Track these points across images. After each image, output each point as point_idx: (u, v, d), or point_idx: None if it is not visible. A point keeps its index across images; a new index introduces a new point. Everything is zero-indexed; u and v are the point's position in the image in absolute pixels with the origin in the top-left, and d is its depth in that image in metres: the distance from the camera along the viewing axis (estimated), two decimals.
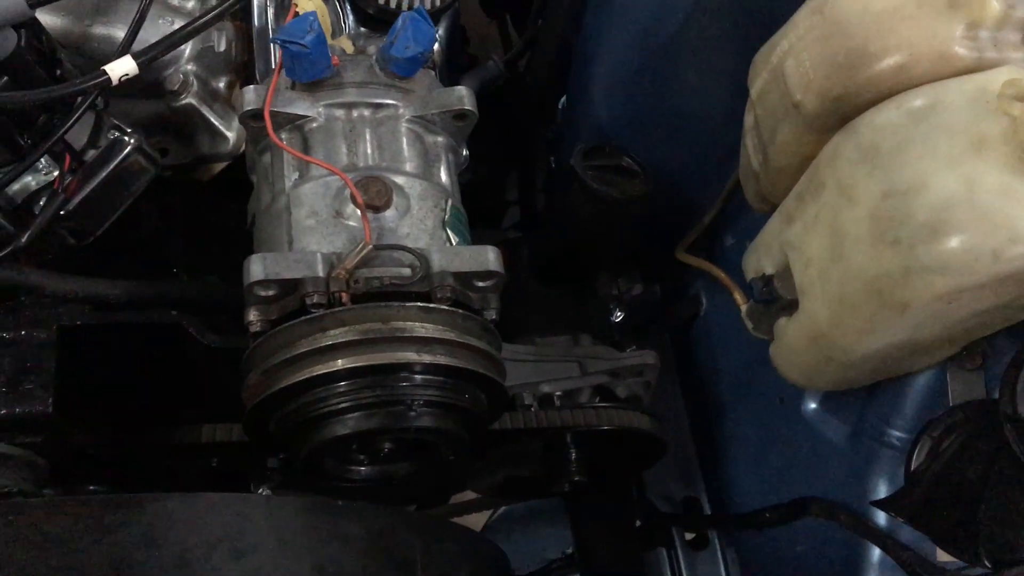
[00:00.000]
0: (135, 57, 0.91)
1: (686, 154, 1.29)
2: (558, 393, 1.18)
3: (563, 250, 1.28)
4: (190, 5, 1.15)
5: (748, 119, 1.05)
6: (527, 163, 1.50)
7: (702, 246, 1.38)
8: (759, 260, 1.04)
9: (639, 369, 1.22)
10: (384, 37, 1.01)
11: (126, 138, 1.04)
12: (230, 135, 1.13)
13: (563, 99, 1.37)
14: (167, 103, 1.12)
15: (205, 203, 1.19)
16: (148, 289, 1.04)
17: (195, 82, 1.12)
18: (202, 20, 0.96)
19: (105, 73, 0.90)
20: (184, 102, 1.11)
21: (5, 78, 0.92)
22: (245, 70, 1.17)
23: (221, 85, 1.16)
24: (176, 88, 1.11)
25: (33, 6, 0.88)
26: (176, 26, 1.10)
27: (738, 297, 1.18)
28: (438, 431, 0.83)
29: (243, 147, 1.14)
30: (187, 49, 1.12)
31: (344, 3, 1.09)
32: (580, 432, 1.15)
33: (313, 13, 0.88)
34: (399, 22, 0.91)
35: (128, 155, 1.02)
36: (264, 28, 1.13)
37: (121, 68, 0.90)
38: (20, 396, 0.90)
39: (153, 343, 0.98)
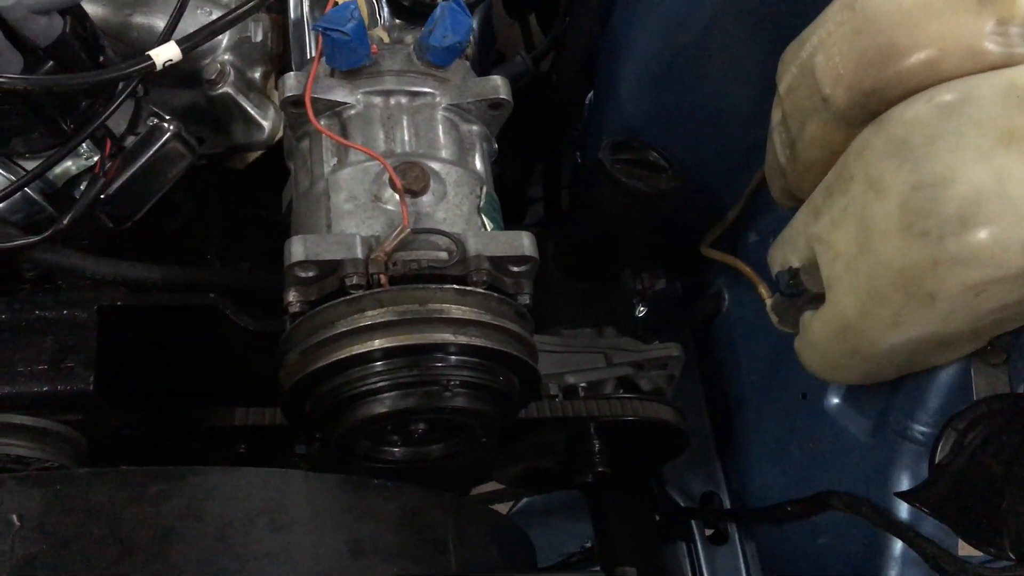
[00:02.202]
0: (179, 44, 0.93)
1: (711, 150, 1.30)
2: (583, 384, 1.19)
3: (588, 244, 1.30)
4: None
5: (775, 115, 1.07)
6: (552, 160, 1.52)
7: (725, 242, 1.39)
8: (785, 254, 1.05)
9: (663, 362, 1.23)
10: (420, 28, 1.03)
11: (165, 124, 1.06)
12: (266, 124, 1.15)
13: (589, 96, 1.39)
14: (204, 92, 1.14)
15: (239, 191, 1.21)
16: (185, 274, 1.06)
17: (232, 72, 1.14)
18: (242, 9, 0.98)
19: (149, 58, 0.92)
20: (221, 91, 1.13)
21: (50, 63, 0.94)
22: (280, 61, 1.20)
23: (257, 75, 1.18)
24: (214, 77, 1.12)
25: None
26: (214, 16, 1.12)
27: (763, 291, 1.20)
28: (472, 411, 0.85)
29: (278, 136, 1.16)
30: (224, 39, 1.14)
31: None
32: (604, 422, 1.17)
33: (353, 1, 0.90)
34: (438, 11, 0.93)
35: (167, 141, 1.05)
36: (300, 19, 1.16)
37: (165, 54, 0.92)
38: (61, 374, 0.92)
39: (190, 325, 1.00)
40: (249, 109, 1.14)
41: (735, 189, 1.34)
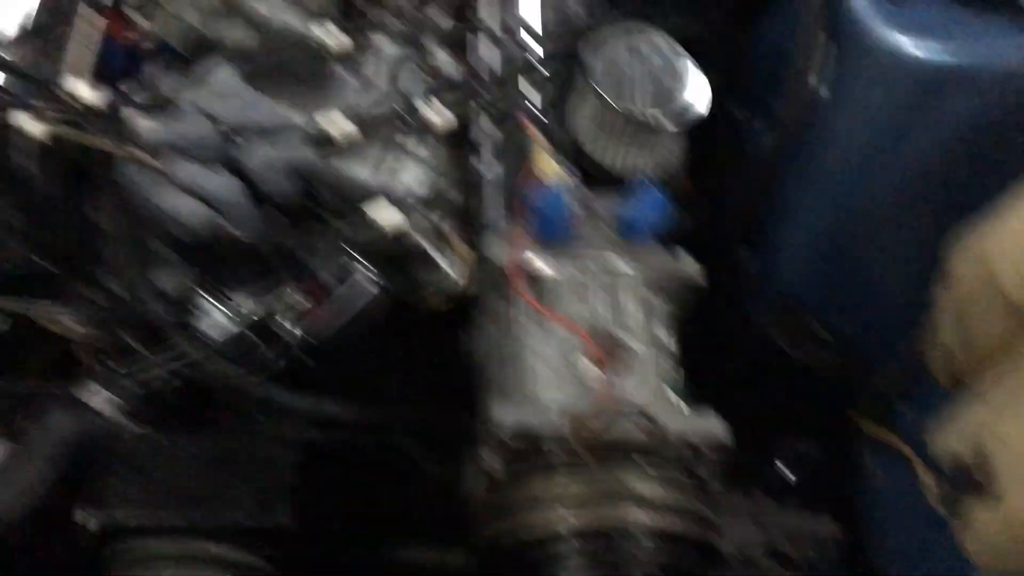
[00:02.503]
0: (401, 208, 1.01)
1: (870, 320, 1.32)
2: (732, 551, 1.20)
3: (743, 408, 1.32)
4: (423, 153, 1.26)
5: (944, 296, 1.08)
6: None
7: (874, 411, 1.40)
8: (952, 442, 1.05)
9: (816, 535, 1.23)
10: (607, 195, 1.10)
11: (368, 274, 1.13)
12: (453, 274, 1.22)
13: (747, 254, 1.43)
14: (396, 239, 1.22)
15: (417, 331, 1.27)
16: (372, 413, 1.12)
17: (424, 222, 1.21)
18: (458, 177, 1.06)
19: (375, 222, 1.00)
20: (414, 240, 1.20)
21: (278, 214, 1.03)
22: (468, 213, 1.27)
23: (445, 225, 1.25)
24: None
25: (321, 157, 0.99)
26: (411, 169, 1.21)
27: (927, 479, 1.19)
28: None
29: (463, 285, 1.23)
30: (416, 191, 1.21)
31: (561, 157, 1.18)
32: None
33: (566, 183, 0.96)
34: (637, 191, 0.98)
35: (370, 290, 1.12)
36: (493, 179, 1.23)
37: (388, 218, 1.00)
38: (263, 509, 0.98)
39: (380, 466, 1.04)
40: (438, 259, 1.21)
41: (889, 360, 1.35)
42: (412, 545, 1.06)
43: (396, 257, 1.23)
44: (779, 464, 1.34)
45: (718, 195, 1.39)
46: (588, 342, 0.89)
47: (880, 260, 1.26)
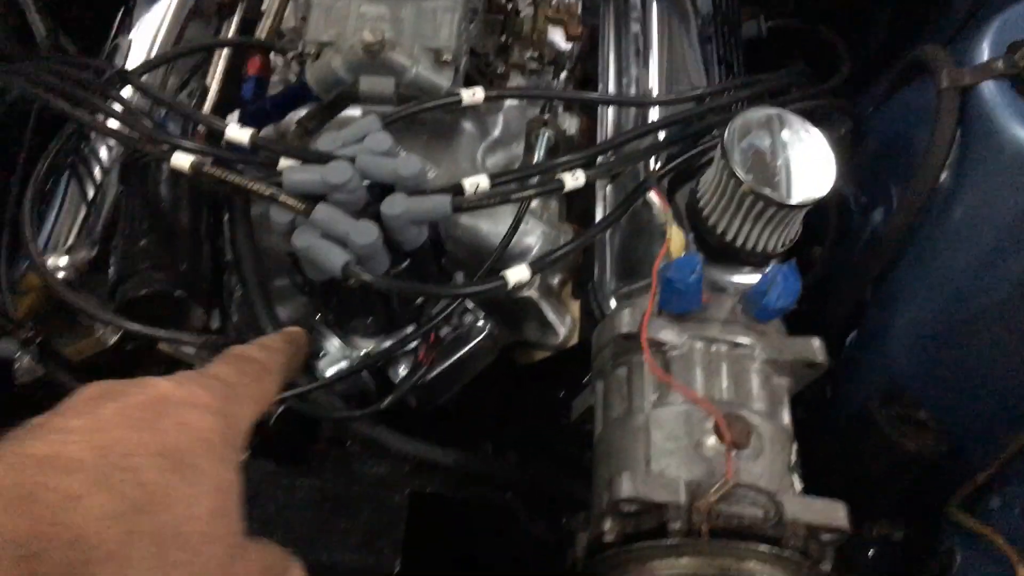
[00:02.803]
0: (530, 266, 1.02)
1: (973, 415, 1.30)
2: None
3: (836, 491, 1.31)
4: (543, 209, 1.28)
5: None
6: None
7: (969, 503, 1.37)
8: None
9: None
10: (731, 270, 1.11)
11: (481, 323, 1.15)
12: (561, 330, 1.23)
13: (851, 336, 1.42)
14: (509, 291, 1.24)
15: (516, 383, 1.28)
16: (473, 462, 1.13)
17: (538, 278, 1.23)
18: (584, 239, 1.08)
19: (503, 279, 1.01)
20: (527, 294, 1.22)
21: (407, 262, 1.05)
22: (577, 271, 1.29)
23: (556, 281, 1.27)
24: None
25: (455, 211, 1.01)
26: (531, 227, 1.23)
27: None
28: None
29: (571, 342, 1.24)
30: (535, 248, 1.24)
31: (687, 230, 1.19)
32: None
33: (698, 256, 0.97)
34: (772, 274, 0.99)
35: (483, 340, 1.14)
36: (603, 238, 1.25)
37: (517, 275, 1.02)
38: (372, 552, 0.99)
39: (484, 520, 1.05)
40: (549, 314, 1.23)
41: (988, 452, 1.33)
42: None
43: (506, 308, 1.26)
44: (869, 552, 1.32)
45: (825, 275, 1.39)
46: (719, 420, 0.89)
47: (992, 355, 1.24)
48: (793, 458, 0.96)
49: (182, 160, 1.03)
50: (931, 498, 1.39)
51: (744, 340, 1.01)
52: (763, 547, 0.86)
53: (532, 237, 1.22)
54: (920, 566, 1.45)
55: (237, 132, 1.05)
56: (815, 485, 1.33)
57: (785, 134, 1.10)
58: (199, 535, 0.55)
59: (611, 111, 1.33)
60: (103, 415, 0.56)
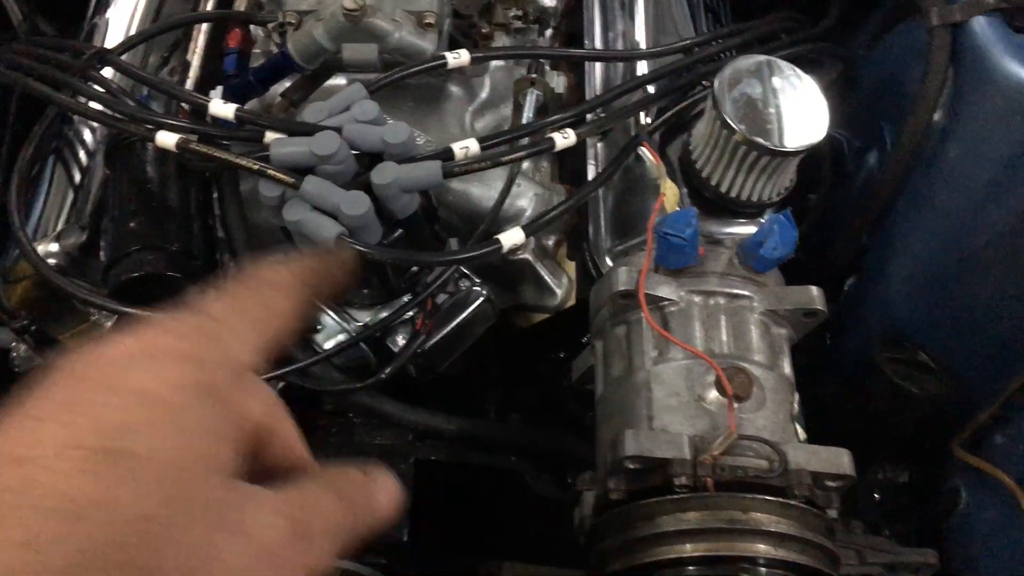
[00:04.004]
0: (524, 229, 1.01)
1: (973, 355, 1.30)
2: None
3: (840, 436, 1.31)
4: (536, 171, 1.27)
5: None
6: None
7: (973, 441, 1.38)
8: None
9: (918, 566, 1.22)
10: (721, 220, 1.10)
11: (477, 288, 1.14)
12: (559, 291, 1.23)
13: (849, 281, 1.42)
14: (504, 255, 1.23)
15: (516, 347, 1.28)
16: (476, 428, 1.13)
17: (532, 240, 1.22)
18: (576, 198, 1.07)
19: (498, 242, 1.01)
20: (521, 257, 1.21)
21: (400, 231, 1.04)
22: (572, 230, 1.28)
23: (551, 242, 1.26)
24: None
25: (446, 176, 1.00)
26: (524, 189, 1.22)
27: None
28: None
29: (568, 303, 1.23)
30: (529, 209, 1.23)
31: (680, 183, 1.18)
32: None
33: (693, 210, 0.96)
34: (768, 224, 0.98)
35: (480, 305, 1.13)
36: (596, 196, 1.24)
37: (511, 239, 1.01)
38: None
39: (491, 484, 1.05)
40: (545, 276, 1.22)
41: (990, 391, 1.33)
42: (519, 564, 1.06)
43: (502, 272, 1.25)
44: (876, 495, 1.32)
45: (821, 222, 1.38)
46: (720, 374, 0.89)
47: (990, 293, 1.24)
48: (795, 408, 0.96)
49: (167, 139, 1.02)
50: (935, 439, 1.39)
51: (742, 292, 1.01)
52: (769, 497, 0.86)
53: (525, 199, 1.21)
54: (926, 506, 1.46)
55: (221, 107, 1.04)
56: (820, 432, 1.33)
57: (776, 81, 1.08)
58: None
59: (599, 67, 1.31)
60: (43, 408, 0.48)
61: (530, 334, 1.26)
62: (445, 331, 1.12)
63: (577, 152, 1.27)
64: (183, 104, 1.16)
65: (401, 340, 1.12)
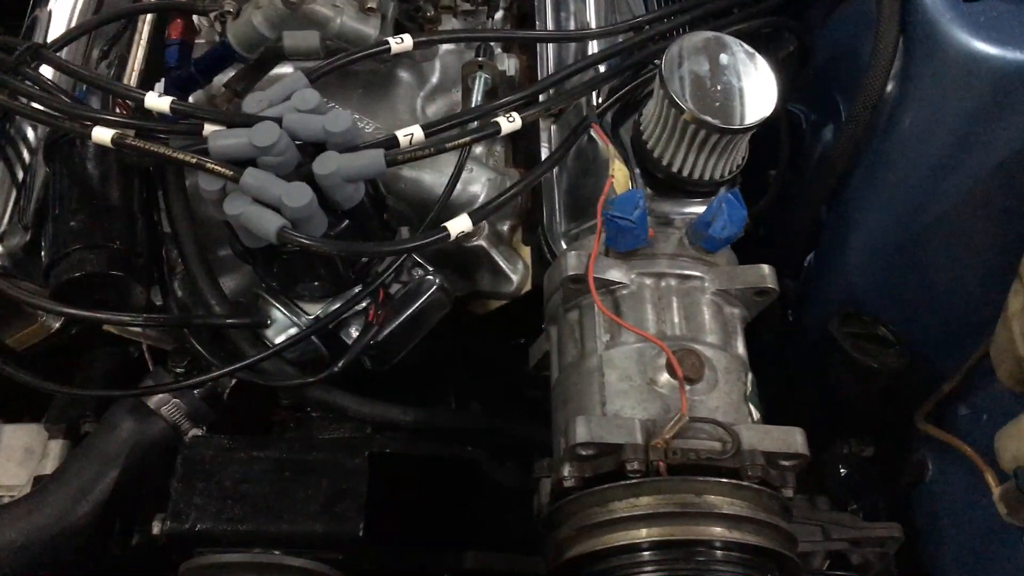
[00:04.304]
0: (471, 216, 1.00)
1: (935, 325, 1.30)
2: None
3: (803, 412, 1.31)
4: (486, 156, 1.26)
5: (1015, 303, 1.06)
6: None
7: (935, 414, 1.38)
8: (1019, 447, 1.04)
9: (882, 540, 1.22)
10: (676, 202, 1.09)
11: (430, 277, 1.13)
12: (514, 277, 1.21)
13: (809, 257, 1.41)
14: (457, 242, 1.21)
15: (473, 334, 1.27)
16: (434, 418, 1.12)
17: (486, 226, 1.21)
18: (525, 183, 1.05)
19: (445, 230, 0.99)
20: (475, 243, 1.20)
21: (347, 222, 1.02)
22: (527, 215, 1.26)
23: (506, 228, 1.25)
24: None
25: (390, 165, 0.98)
26: (475, 173, 1.20)
27: (990, 479, 1.18)
28: None
29: (524, 289, 1.22)
30: (482, 195, 1.21)
31: (632, 164, 1.17)
32: None
33: (640, 191, 0.95)
34: (715, 203, 0.97)
35: (433, 294, 1.12)
36: (550, 180, 1.22)
37: (459, 226, 0.99)
38: (334, 517, 0.98)
39: (448, 474, 1.04)
40: (500, 262, 1.21)
41: (952, 363, 1.33)
42: (480, 553, 1.05)
43: (456, 260, 1.23)
44: (841, 469, 1.32)
45: (777, 196, 1.37)
46: (670, 357, 0.88)
47: (948, 264, 1.24)
48: (749, 387, 0.95)
49: (103, 134, 0.99)
50: (899, 412, 1.39)
51: (693, 272, 1.00)
52: (722, 479, 0.86)
53: (477, 185, 1.20)
54: (892, 479, 1.46)
55: (156, 101, 1.02)
56: (784, 410, 1.33)
57: (723, 58, 1.07)
58: None
59: (551, 48, 1.29)
60: None
61: (488, 321, 1.25)
62: (399, 321, 1.10)
63: (531, 135, 1.26)
64: (124, 99, 1.13)
65: (354, 332, 1.11)
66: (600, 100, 1.19)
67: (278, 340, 1.08)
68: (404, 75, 1.28)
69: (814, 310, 1.38)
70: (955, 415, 1.37)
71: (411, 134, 1.02)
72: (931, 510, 1.43)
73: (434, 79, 1.30)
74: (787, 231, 1.37)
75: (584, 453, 0.88)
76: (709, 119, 1.02)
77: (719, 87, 1.04)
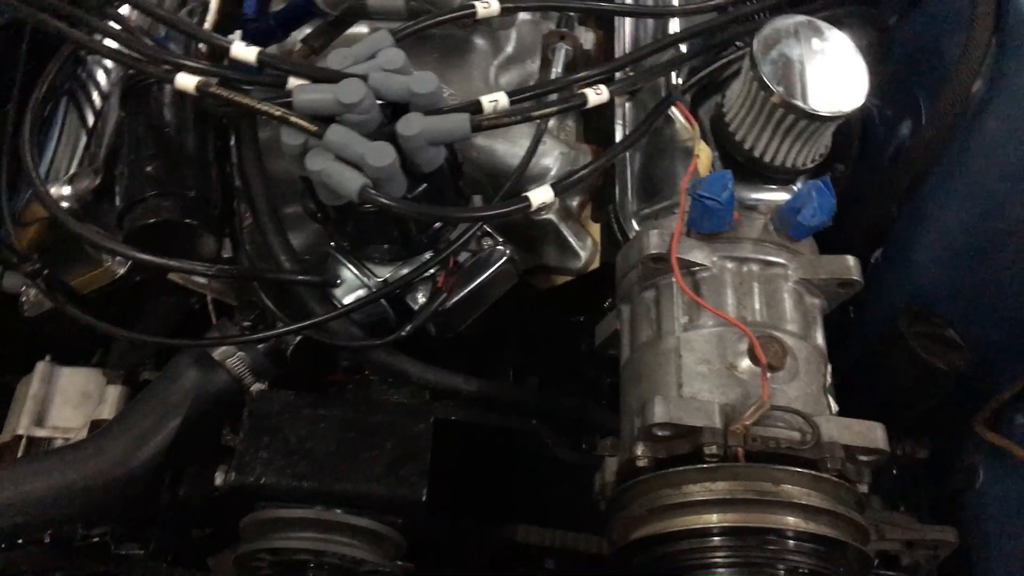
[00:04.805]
0: (553, 188, 0.98)
1: (999, 331, 1.28)
2: None
3: (863, 409, 1.29)
4: (560, 129, 1.24)
5: None
6: None
7: (995, 419, 1.36)
8: None
9: (936, 544, 1.21)
10: (760, 187, 1.07)
11: (500, 248, 1.12)
12: (582, 253, 1.20)
13: (876, 254, 1.39)
14: (527, 215, 1.20)
15: (536, 309, 1.25)
16: (496, 389, 1.11)
17: (557, 200, 1.19)
18: (607, 157, 1.03)
19: (526, 200, 0.98)
20: (545, 217, 1.18)
21: (424, 186, 1.01)
22: (597, 192, 1.25)
23: (575, 204, 1.23)
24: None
25: (474, 130, 0.97)
26: (549, 148, 1.19)
27: None
28: None
29: (592, 266, 1.21)
30: (554, 169, 1.19)
31: (712, 146, 1.15)
32: None
33: (729, 173, 0.93)
34: (805, 189, 0.95)
35: (503, 265, 1.11)
36: (623, 158, 1.21)
37: (541, 197, 0.98)
38: (398, 480, 0.97)
39: (509, 445, 1.03)
40: (569, 237, 1.19)
41: (1015, 369, 1.31)
42: (535, 528, 1.05)
43: (524, 233, 1.22)
44: (894, 470, 1.30)
45: (848, 192, 1.35)
46: (754, 342, 0.86)
47: (1020, 268, 1.21)
48: (827, 379, 0.94)
49: (186, 81, 0.98)
50: (956, 415, 1.37)
51: (777, 259, 0.98)
52: (801, 470, 0.85)
53: (550, 158, 1.18)
54: (943, 482, 1.45)
55: (242, 50, 1.00)
56: (839, 406, 1.32)
57: (815, 43, 1.05)
58: None
59: (628, 23, 1.27)
60: None
61: (550, 296, 1.23)
62: (467, 290, 1.09)
63: (603, 113, 1.24)
64: (201, 46, 1.12)
65: (421, 297, 1.10)
66: (680, 80, 1.17)
67: (347, 300, 1.07)
68: (480, 42, 1.26)
69: (878, 308, 1.35)
70: (1011, 422, 1.35)
71: (496, 101, 1.00)
72: (980, 517, 1.41)
73: (509, 48, 1.28)
74: (855, 227, 1.35)
75: (660, 434, 0.87)
76: (799, 104, 1.00)
77: (810, 72, 1.02)
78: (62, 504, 1.00)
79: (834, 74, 1.03)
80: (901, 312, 1.25)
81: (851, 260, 0.99)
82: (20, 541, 1.09)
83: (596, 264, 1.20)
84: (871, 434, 0.88)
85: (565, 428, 1.10)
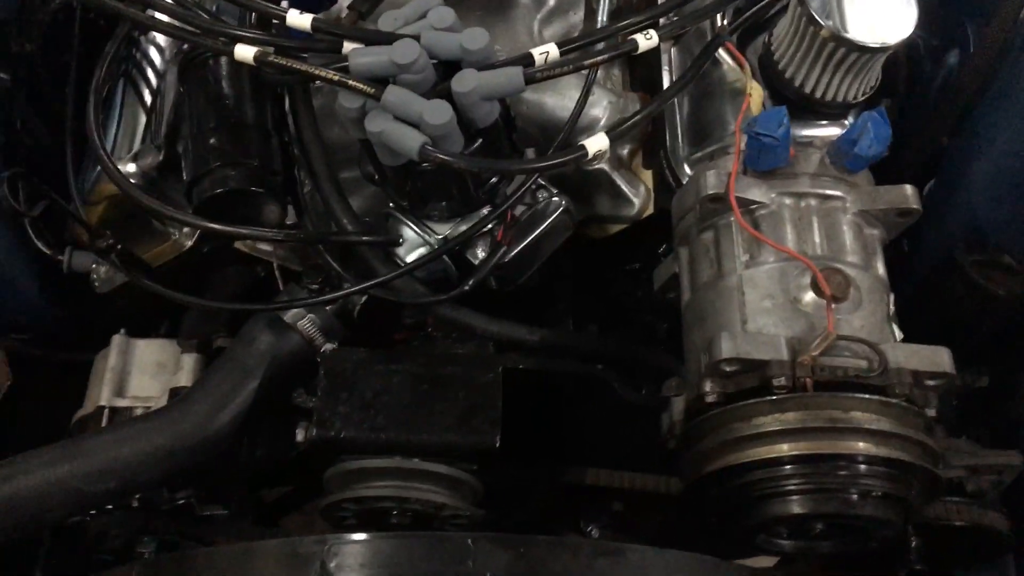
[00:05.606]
0: (607, 134, 1.00)
1: None
2: None
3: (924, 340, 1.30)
4: (609, 77, 1.25)
5: None
6: None
7: None
8: None
9: (1000, 468, 1.22)
10: (812, 122, 1.08)
11: (556, 199, 1.13)
12: (636, 201, 1.21)
13: (929, 184, 1.39)
14: (579, 165, 1.21)
15: (592, 258, 1.27)
16: (560, 338, 1.13)
17: (608, 149, 1.20)
18: (658, 103, 1.04)
19: (583, 148, 0.99)
20: (597, 167, 1.20)
21: (480, 141, 1.02)
22: (647, 139, 1.26)
23: (626, 152, 1.24)
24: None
25: (527, 83, 0.98)
26: (598, 97, 1.20)
27: None
28: (882, 521, 0.87)
29: (646, 212, 1.22)
30: (604, 118, 1.20)
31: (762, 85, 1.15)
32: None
33: (784, 109, 0.94)
34: (860, 121, 0.96)
35: (559, 216, 1.12)
36: (672, 103, 1.21)
37: (596, 144, 0.99)
38: (471, 429, 1.00)
39: (575, 391, 1.06)
40: (622, 185, 1.21)
41: None
42: (603, 470, 1.08)
43: (577, 184, 1.23)
44: (953, 401, 1.31)
45: (899, 124, 1.35)
46: (817, 275, 0.88)
47: None
48: (891, 308, 0.95)
49: (245, 52, 1.00)
50: (1015, 343, 1.38)
51: (834, 192, 0.99)
52: (869, 396, 0.86)
53: (599, 108, 1.19)
54: (1004, 411, 1.45)
55: (298, 18, 1.02)
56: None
57: None
58: None
59: None
60: None
61: (605, 245, 1.25)
62: (525, 242, 1.11)
63: (648, 60, 1.24)
64: (251, 17, 1.14)
65: (480, 252, 1.12)
66: (726, 21, 1.17)
67: (409, 259, 1.10)
68: None
69: (933, 239, 1.35)
70: None
71: (547, 52, 1.01)
72: None
73: (552, 1, 1.28)
74: (906, 160, 1.34)
75: (728, 369, 0.89)
76: (848, 36, 1.00)
77: (858, 4, 1.02)
78: (150, 468, 1.04)
79: (881, 5, 1.02)
80: (956, 242, 1.25)
81: (909, 189, 1.00)
82: (110, 507, 1.14)
83: (650, 210, 1.21)
84: (937, 358, 0.89)
85: (625, 373, 1.12)
